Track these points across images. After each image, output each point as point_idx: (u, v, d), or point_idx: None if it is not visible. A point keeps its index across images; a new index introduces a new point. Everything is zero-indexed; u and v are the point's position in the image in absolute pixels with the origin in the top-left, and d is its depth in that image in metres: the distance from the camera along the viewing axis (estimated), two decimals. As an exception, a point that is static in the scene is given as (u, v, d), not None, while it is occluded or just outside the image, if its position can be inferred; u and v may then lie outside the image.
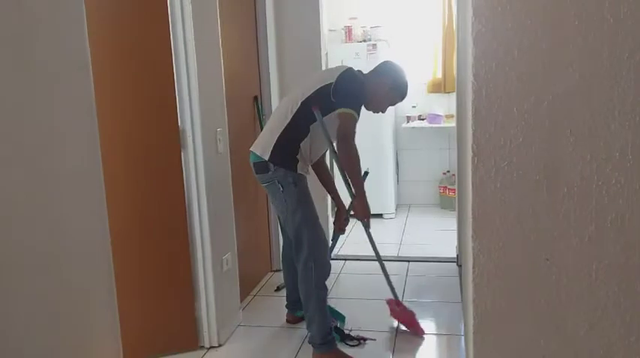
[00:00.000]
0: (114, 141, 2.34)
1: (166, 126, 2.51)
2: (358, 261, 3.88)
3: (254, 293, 3.43)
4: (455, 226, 3.94)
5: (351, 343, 2.70)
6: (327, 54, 4.58)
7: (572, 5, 1.28)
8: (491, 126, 1.36)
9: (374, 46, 4.92)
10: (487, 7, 1.32)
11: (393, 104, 2.76)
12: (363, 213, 2.67)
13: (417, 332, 2.81)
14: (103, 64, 2.18)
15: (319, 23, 3.95)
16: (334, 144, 2.56)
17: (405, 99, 2.76)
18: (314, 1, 3.88)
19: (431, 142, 5.43)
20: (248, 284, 3.36)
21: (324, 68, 4.10)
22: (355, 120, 2.49)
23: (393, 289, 2.94)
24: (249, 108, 3.46)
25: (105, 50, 2.28)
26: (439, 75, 5.33)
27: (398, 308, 2.90)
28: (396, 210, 5.29)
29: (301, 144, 2.54)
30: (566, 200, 1.34)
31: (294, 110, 2.52)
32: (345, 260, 3.92)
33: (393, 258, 3.95)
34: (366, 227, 2.77)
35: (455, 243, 3.91)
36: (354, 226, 3.59)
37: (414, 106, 5.34)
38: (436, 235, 4.57)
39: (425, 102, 5.38)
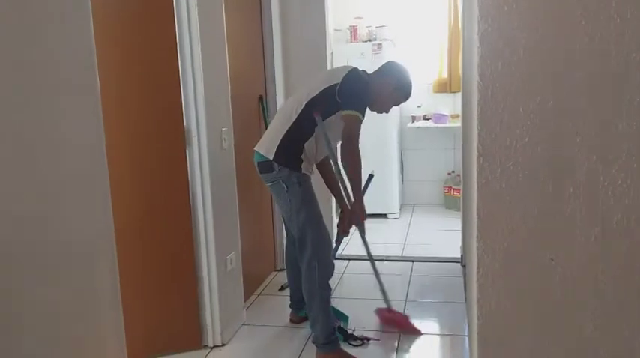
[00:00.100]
0: (119, 141, 2.33)
1: (172, 125, 2.51)
2: (362, 261, 3.85)
3: (258, 292, 3.44)
4: (459, 226, 3.93)
5: (354, 343, 2.69)
6: (332, 53, 4.57)
7: (579, 5, 1.27)
8: (497, 125, 1.35)
9: (379, 45, 4.91)
10: (493, 7, 1.31)
11: (397, 104, 2.75)
12: (360, 216, 2.65)
13: (414, 332, 2.80)
14: (109, 64, 2.19)
15: (325, 23, 3.95)
16: (337, 147, 2.55)
17: (410, 99, 2.75)
18: (319, 1, 3.88)
19: (436, 142, 5.42)
20: (252, 284, 3.37)
21: (329, 68, 4.10)
22: (360, 122, 2.48)
23: (385, 295, 2.90)
24: (254, 107, 3.46)
25: (111, 50, 2.28)
26: (445, 74, 5.32)
27: (389, 315, 2.89)
28: (400, 209, 5.29)
29: (305, 145, 2.54)
30: (572, 200, 1.34)
31: (299, 110, 2.52)
32: (349, 260, 3.92)
33: (397, 258, 3.95)
34: (362, 232, 2.75)
35: (459, 243, 3.90)
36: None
37: (419, 106, 5.33)
38: (440, 235, 4.56)
39: (430, 102, 5.37)
